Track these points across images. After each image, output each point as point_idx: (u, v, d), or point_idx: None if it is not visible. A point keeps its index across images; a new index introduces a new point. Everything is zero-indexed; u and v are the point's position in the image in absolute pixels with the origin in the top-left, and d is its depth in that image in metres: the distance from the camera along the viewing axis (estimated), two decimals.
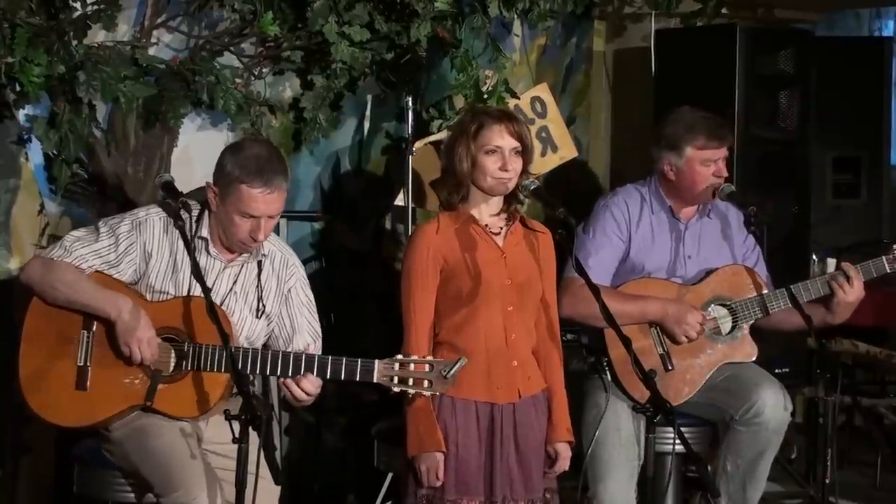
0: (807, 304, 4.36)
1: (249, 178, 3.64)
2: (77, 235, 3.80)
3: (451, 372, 3.57)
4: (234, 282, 3.82)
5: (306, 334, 3.89)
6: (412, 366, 3.60)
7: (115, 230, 3.77)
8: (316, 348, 3.88)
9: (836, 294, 4.35)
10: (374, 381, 3.61)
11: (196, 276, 3.61)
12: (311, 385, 3.67)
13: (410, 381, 3.59)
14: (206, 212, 3.79)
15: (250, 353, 3.67)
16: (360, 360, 3.63)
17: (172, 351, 3.72)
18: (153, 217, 3.79)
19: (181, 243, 3.72)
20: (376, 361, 3.61)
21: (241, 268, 3.83)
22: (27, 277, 3.78)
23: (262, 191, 3.65)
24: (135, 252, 3.76)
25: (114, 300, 3.69)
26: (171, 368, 3.72)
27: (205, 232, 3.79)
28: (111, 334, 3.70)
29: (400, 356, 3.63)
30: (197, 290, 3.66)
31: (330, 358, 3.65)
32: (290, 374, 3.68)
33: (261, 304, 3.82)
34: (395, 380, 3.60)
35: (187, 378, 3.70)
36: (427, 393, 3.62)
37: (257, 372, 3.71)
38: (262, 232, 3.71)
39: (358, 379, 3.62)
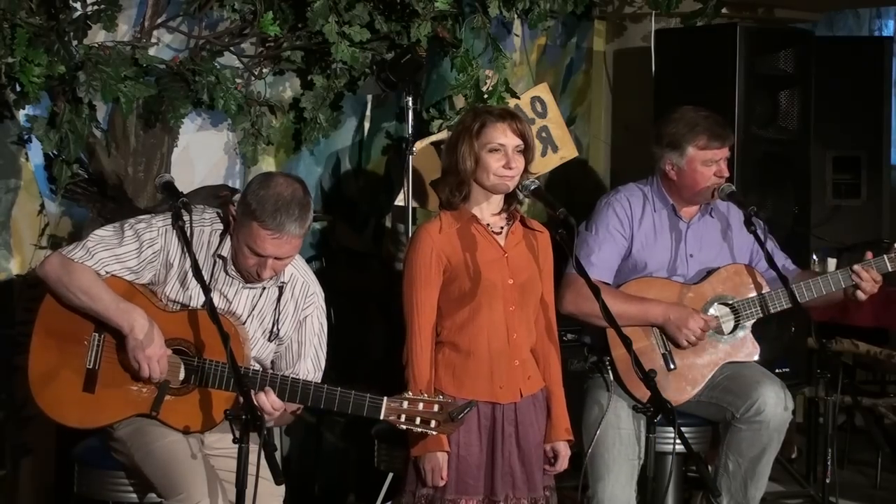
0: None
1: (262, 218, 3.56)
2: (101, 236, 3.73)
3: (461, 415, 3.53)
4: (254, 306, 3.79)
5: (310, 362, 3.85)
6: (421, 405, 3.55)
7: (140, 236, 3.72)
8: (314, 379, 3.82)
9: (857, 287, 4.37)
10: (381, 418, 3.57)
11: (196, 275, 3.60)
12: (267, 402, 3.57)
13: (417, 420, 3.55)
14: (229, 228, 3.73)
15: (259, 376, 3.64)
16: (368, 396, 3.57)
17: (182, 364, 3.70)
18: (167, 227, 3.73)
19: (201, 255, 3.69)
20: (385, 399, 3.56)
21: (262, 291, 3.79)
22: (44, 273, 3.73)
23: (271, 233, 3.58)
24: (157, 261, 3.73)
25: (128, 315, 3.65)
26: (180, 381, 3.70)
27: (225, 251, 3.74)
28: (122, 342, 3.68)
29: (409, 394, 3.59)
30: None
31: (339, 390, 3.60)
32: (296, 401, 3.65)
33: (275, 329, 3.79)
34: (403, 417, 3.55)
35: (194, 393, 3.69)
36: (434, 433, 3.58)
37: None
38: (268, 271, 3.65)
39: (365, 415, 3.58)
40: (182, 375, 3.70)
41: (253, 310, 3.78)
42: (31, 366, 3.76)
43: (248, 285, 3.76)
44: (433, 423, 3.54)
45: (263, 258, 3.63)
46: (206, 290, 3.56)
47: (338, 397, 3.59)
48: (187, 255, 3.66)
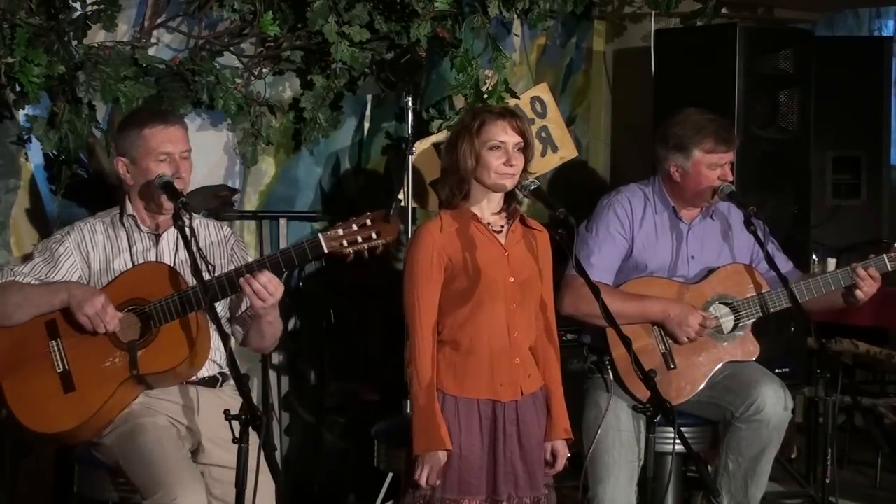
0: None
1: (147, 121, 3.84)
2: (12, 263, 3.99)
3: (391, 211, 3.58)
4: (176, 251, 3.90)
5: None
6: (353, 225, 3.64)
7: (47, 244, 3.92)
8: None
9: (856, 287, 4.37)
10: (326, 252, 3.64)
11: (196, 275, 3.61)
12: (266, 279, 3.65)
13: (359, 239, 3.63)
14: (126, 193, 3.91)
15: (215, 283, 3.69)
16: (305, 240, 3.67)
17: (136, 316, 3.76)
18: (79, 224, 3.93)
19: (120, 234, 3.87)
20: (319, 234, 3.65)
21: (175, 234, 3.86)
22: None
23: (163, 126, 3.83)
24: (72, 255, 3.87)
25: (60, 288, 3.79)
26: (140, 332, 3.76)
27: (130, 209, 3.91)
28: (75, 329, 3.75)
29: (340, 223, 3.65)
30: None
31: (278, 252, 3.71)
32: None
33: (208, 265, 3.77)
34: (345, 243, 3.63)
35: (161, 333, 3.75)
36: (381, 241, 3.63)
37: (228, 294, 3.73)
38: (182, 168, 3.83)
39: (311, 258, 3.67)
40: (139, 326, 3.76)
41: (177, 254, 3.90)
42: (10, 403, 3.81)
43: (161, 233, 3.89)
44: (374, 234, 3.61)
45: (173, 156, 3.81)
46: (206, 290, 3.58)
47: (280, 258, 3.68)
48: (102, 237, 3.87)
